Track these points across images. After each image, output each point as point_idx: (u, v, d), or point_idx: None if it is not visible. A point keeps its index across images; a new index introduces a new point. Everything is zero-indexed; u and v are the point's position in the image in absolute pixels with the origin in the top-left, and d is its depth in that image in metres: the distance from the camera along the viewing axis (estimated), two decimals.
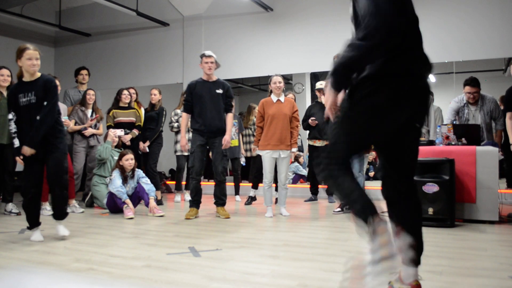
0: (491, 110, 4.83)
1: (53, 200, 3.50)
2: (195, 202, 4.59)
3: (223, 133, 4.57)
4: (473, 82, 4.78)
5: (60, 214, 3.49)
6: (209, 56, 4.57)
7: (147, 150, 5.84)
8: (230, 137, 4.63)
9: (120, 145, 5.60)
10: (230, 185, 6.65)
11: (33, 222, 3.42)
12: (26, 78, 3.39)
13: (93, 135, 5.60)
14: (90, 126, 5.53)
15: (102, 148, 5.38)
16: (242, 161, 6.56)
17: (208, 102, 4.52)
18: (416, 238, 1.82)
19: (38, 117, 3.30)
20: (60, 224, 3.50)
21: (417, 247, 1.83)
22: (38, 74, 3.42)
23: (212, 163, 4.64)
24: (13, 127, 3.38)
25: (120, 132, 5.53)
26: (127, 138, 5.64)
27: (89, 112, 5.58)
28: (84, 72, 6.23)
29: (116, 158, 5.31)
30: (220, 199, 4.61)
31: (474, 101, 4.84)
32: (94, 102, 5.65)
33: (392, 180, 1.89)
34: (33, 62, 3.31)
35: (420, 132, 1.91)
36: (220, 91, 4.58)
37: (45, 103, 3.33)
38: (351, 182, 1.73)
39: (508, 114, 4.41)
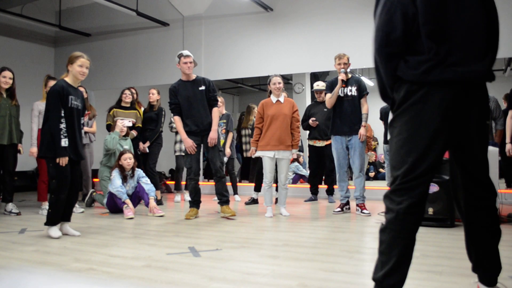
0: (492, 110, 4.82)
1: (71, 201, 3.61)
2: (195, 202, 4.59)
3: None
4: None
5: (70, 215, 3.66)
6: (188, 56, 4.54)
7: (147, 151, 5.83)
8: (216, 133, 4.58)
9: (128, 133, 5.55)
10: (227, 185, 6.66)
11: (59, 219, 3.52)
12: (71, 82, 3.53)
13: (85, 133, 5.47)
14: (82, 124, 5.41)
15: (110, 138, 5.31)
16: (225, 159, 6.44)
17: (194, 102, 4.51)
18: (491, 255, 1.77)
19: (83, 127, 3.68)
20: (68, 225, 3.64)
21: (494, 265, 1.78)
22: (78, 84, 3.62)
23: (209, 161, 4.62)
24: (64, 125, 3.41)
25: (128, 122, 5.47)
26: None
27: None
28: None
29: (125, 147, 5.30)
30: (223, 196, 4.57)
31: None
32: (86, 99, 5.55)
33: (464, 187, 1.74)
34: (83, 69, 3.49)
35: (485, 129, 1.70)
36: (202, 87, 4.56)
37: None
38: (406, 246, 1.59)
39: (510, 113, 4.39)
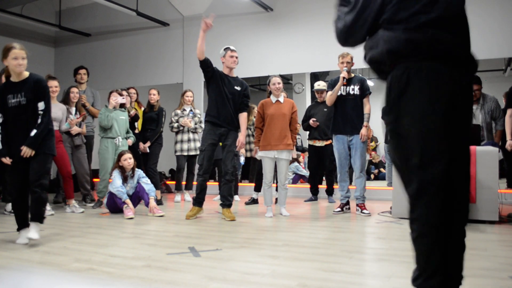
0: (492, 110, 4.83)
1: (32, 201, 3.31)
2: (198, 200, 4.51)
3: (236, 129, 4.55)
4: (475, 80, 4.79)
5: (36, 215, 3.26)
6: (235, 51, 4.56)
7: (148, 151, 5.82)
8: (245, 138, 4.62)
9: (124, 105, 5.53)
10: None
11: (22, 222, 3.35)
12: (14, 78, 3.27)
13: (78, 134, 5.42)
14: (76, 125, 5.35)
15: (104, 116, 5.31)
16: (242, 160, 6.55)
17: (227, 96, 4.45)
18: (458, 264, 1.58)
19: (40, 120, 3.23)
20: (33, 226, 3.23)
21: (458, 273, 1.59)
22: (26, 74, 3.28)
23: (222, 162, 4.57)
24: None
25: (121, 99, 5.42)
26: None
27: (72, 110, 5.39)
28: (82, 71, 6.18)
29: (122, 118, 5.38)
30: (226, 200, 4.51)
31: (475, 99, 4.82)
32: (78, 100, 5.50)
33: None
34: (19, 61, 3.18)
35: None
36: (238, 88, 4.53)
37: (41, 104, 3.24)
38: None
39: (508, 111, 4.39)
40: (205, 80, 4.56)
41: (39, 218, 3.29)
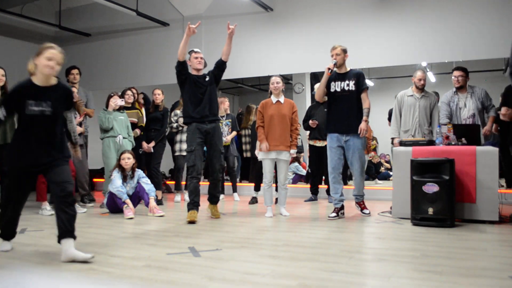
0: (482, 97, 4.89)
1: (66, 215, 2.79)
2: (195, 204, 4.36)
3: (218, 119, 4.53)
4: (459, 68, 4.96)
5: (72, 230, 2.82)
6: (198, 52, 4.56)
7: (152, 151, 5.82)
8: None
9: (122, 108, 5.60)
10: (227, 185, 6.66)
11: (9, 233, 3.05)
12: (39, 81, 2.81)
13: (79, 133, 5.35)
14: (77, 124, 5.32)
15: (104, 118, 5.41)
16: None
17: (200, 95, 4.41)
18: None
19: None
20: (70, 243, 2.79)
21: None
22: (54, 81, 2.89)
23: (209, 161, 4.51)
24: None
25: (120, 102, 5.48)
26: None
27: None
28: (74, 71, 6.11)
29: (121, 118, 5.49)
30: (214, 197, 4.56)
31: (459, 86, 4.89)
32: (76, 101, 5.49)
33: None
34: (50, 63, 2.77)
35: None
36: (207, 78, 4.50)
37: (70, 112, 3.05)
38: None
39: (503, 110, 4.38)
40: (179, 82, 4.51)
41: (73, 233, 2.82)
